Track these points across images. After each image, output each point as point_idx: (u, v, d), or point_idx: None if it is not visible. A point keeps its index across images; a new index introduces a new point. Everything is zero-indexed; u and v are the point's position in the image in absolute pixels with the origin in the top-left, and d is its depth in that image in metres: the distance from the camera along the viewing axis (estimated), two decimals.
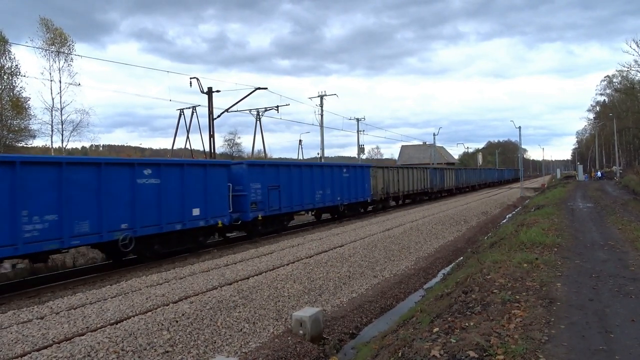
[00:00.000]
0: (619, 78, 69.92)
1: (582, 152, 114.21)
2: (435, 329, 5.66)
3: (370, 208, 29.81)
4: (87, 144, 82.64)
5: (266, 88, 30.54)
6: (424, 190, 37.89)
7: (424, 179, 37.99)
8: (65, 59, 34.63)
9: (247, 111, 37.02)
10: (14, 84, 33.87)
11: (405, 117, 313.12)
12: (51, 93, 34.74)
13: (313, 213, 25.01)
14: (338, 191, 23.86)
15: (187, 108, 34.72)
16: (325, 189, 22.64)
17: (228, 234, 18.16)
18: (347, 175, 24.82)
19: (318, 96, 43.00)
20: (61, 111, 35.08)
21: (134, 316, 7.89)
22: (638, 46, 50.83)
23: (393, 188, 31.73)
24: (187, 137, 35.59)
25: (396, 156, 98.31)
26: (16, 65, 33.68)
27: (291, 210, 20.23)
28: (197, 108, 33.92)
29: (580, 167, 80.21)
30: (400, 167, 34.43)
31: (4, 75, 33.17)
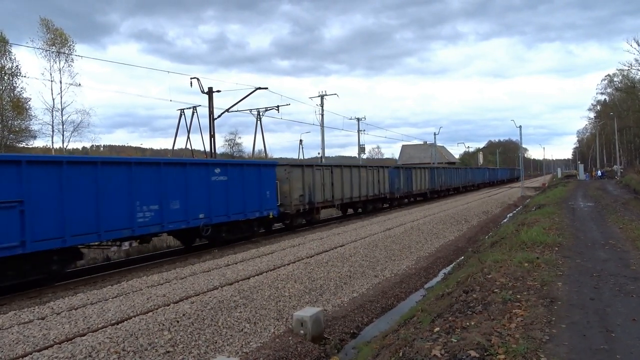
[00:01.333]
0: (620, 77, 69.99)
1: (583, 152, 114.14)
2: (436, 329, 5.66)
3: (278, 226, 21.37)
4: (87, 145, 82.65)
5: (267, 88, 30.54)
6: (378, 197, 29.26)
7: (379, 182, 29.22)
8: (65, 60, 34.72)
9: (248, 111, 37.10)
10: (14, 85, 33.99)
11: (405, 117, 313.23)
12: (52, 93, 34.88)
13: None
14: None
15: (187, 108, 34.77)
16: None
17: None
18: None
19: (318, 96, 43.04)
20: (62, 111, 35.17)
21: (135, 316, 7.89)
22: (639, 45, 50.78)
23: (323, 195, 22.76)
24: (188, 137, 35.63)
25: (397, 156, 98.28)
26: (17, 66, 33.82)
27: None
28: (197, 108, 33.98)
29: (581, 167, 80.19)
30: (335, 165, 24.87)
31: (5, 75, 33.25)
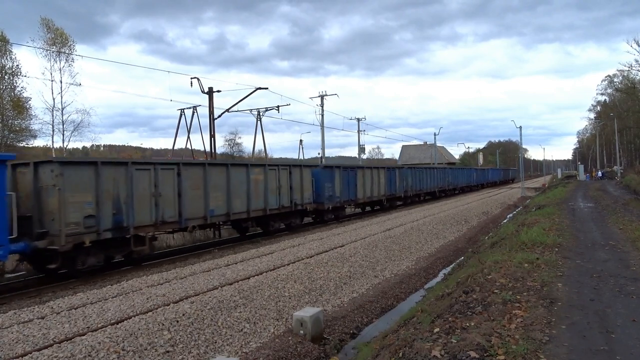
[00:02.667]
0: (620, 78, 69.96)
1: (583, 152, 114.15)
2: (436, 329, 5.66)
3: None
4: (87, 144, 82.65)
5: (267, 88, 30.49)
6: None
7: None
8: (66, 59, 34.72)
9: (248, 111, 37.01)
10: (15, 84, 34.00)
11: (404, 117, 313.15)
12: (52, 93, 34.86)
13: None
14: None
15: (187, 108, 34.70)
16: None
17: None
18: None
19: (319, 96, 43.01)
20: (62, 111, 35.18)
21: (134, 316, 7.89)
22: (639, 45, 50.74)
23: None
24: (188, 137, 35.56)
25: (397, 156, 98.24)
26: (17, 66, 33.82)
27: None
28: (197, 108, 33.95)
29: (581, 167, 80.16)
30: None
31: (5, 75, 33.24)
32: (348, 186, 25.02)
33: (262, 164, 19.77)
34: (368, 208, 30.41)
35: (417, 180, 35.09)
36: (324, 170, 23.26)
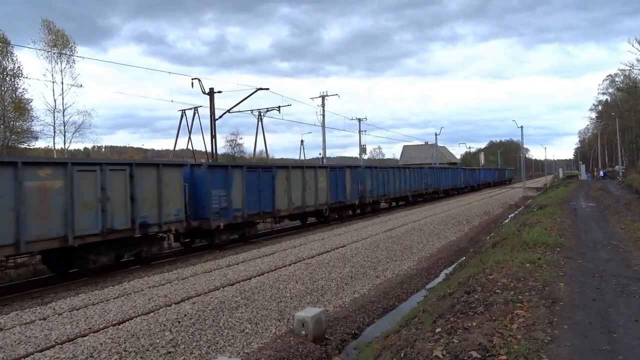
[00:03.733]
0: (622, 77, 69.84)
1: (585, 152, 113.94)
2: (438, 329, 5.65)
3: None
4: (89, 145, 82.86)
5: (268, 88, 30.51)
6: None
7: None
8: (67, 61, 34.76)
9: (249, 112, 37.02)
10: (16, 86, 34.02)
11: (405, 117, 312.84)
12: (53, 94, 34.85)
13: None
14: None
15: (188, 109, 34.76)
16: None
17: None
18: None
19: (320, 96, 42.99)
20: (63, 112, 35.17)
21: (136, 317, 7.89)
22: None
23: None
24: (189, 138, 35.57)
25: (398, 156, 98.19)
26: (18, 67, 33.84)
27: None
28: (198, 109, 33.97)
29: (582, 167, 79.95)
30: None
31: (7, 76, 33.29)
32: (265, 196, 19.03)
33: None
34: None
35: (380, 183, 29.07)
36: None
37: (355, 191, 25.59)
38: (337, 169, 24.22)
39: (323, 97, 42.83)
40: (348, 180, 24.79)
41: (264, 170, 18.38)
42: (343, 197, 24.20)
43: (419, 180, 35.64)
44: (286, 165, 20.89)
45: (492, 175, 67.26)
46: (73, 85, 35.01)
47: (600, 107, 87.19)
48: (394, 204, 33.70)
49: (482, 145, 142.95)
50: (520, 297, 6.58)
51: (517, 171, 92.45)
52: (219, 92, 29.27)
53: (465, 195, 45.67)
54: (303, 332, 8.20)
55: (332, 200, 22.91)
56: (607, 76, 79.46)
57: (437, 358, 4.65)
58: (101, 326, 7.47)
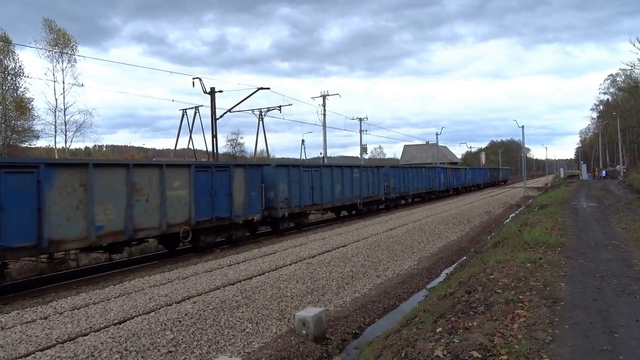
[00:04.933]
0: (623, 77, 69.77)
1: (586, 151, 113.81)
2: (439, 329, 5.65)
3: None
4: (90, 145, 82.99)
5: (269, 88, 30.53)
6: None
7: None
8: (68, 60, 34.80)
9: (250, 111, 37.10)
10: (17, 85, 34.09)
11: (405, 117, 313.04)
12: (54, 94, 34.91)
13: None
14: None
15: (190, 108, 34.82)
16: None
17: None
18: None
19: (321, 96, 43.02)
20: (64, 112, 35.23)
21: (137, 316, 7.90)
22: None
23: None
24: (190, 138, 35.72)
25: (399, 156, 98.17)
26: (20, 66, 33.90)
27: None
28: (199, 108, 34.01)
29: (583, 166, 79.85)
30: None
31: (8, 76, 33.33)
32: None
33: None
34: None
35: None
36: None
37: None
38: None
39: (324, 97, 42.85)
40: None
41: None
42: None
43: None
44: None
45: (483, 176, 60.00)
46: (74, 84, 35.10)
47: (601, 107, 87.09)
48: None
49: (483, 145, 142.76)
50: (521, 296, 6.57)
51: (514, 171, 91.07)
52: (220, 91, 29.30)
53: (466, 195, 45.66)
54: (304, 332, 8.20)
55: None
56: (609, 76, 79.50)
57: (437, 358, 4.65)
58: (102, 325, 7.48)
